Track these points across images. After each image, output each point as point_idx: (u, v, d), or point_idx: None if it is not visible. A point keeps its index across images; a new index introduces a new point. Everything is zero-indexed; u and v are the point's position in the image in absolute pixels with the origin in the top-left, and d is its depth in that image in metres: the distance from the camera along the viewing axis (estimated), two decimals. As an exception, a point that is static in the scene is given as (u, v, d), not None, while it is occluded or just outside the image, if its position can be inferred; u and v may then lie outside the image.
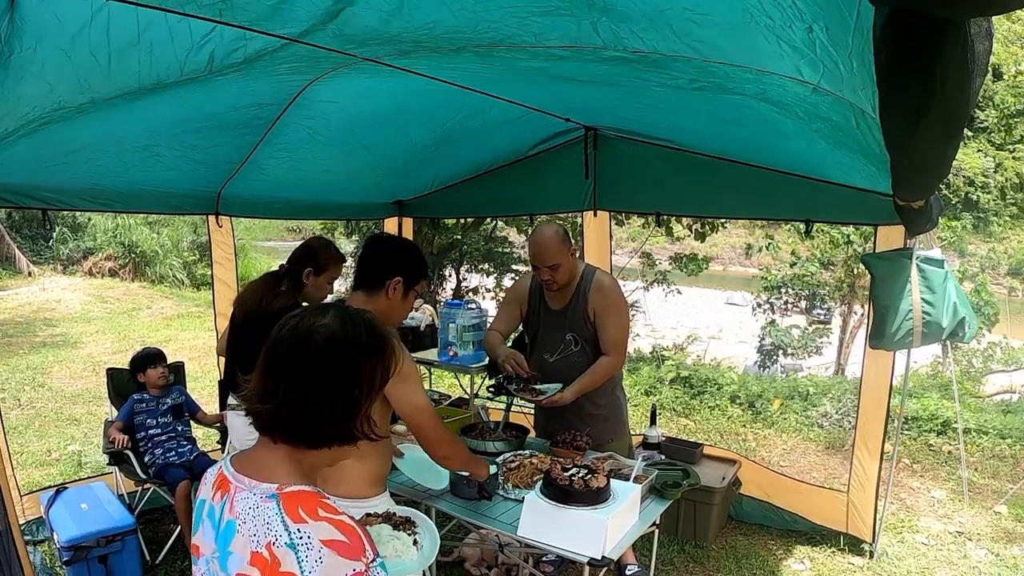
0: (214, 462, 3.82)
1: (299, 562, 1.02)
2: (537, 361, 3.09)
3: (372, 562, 1.07)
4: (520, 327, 3.28)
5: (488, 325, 3.67)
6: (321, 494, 1.11)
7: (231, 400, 3.10)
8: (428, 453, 2.05)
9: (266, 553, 1.04)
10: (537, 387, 2.85)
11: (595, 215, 4.41)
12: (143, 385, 3.84)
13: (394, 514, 1.96)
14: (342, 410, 1.15)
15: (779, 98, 2.26)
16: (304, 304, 3.12)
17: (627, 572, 3.33)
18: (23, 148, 2.61)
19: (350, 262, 6.02)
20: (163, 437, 3.76)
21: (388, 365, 1.21)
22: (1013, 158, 27.03)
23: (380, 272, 1.98)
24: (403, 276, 1.99)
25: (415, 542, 1.78)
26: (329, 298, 3.20)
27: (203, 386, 6.17)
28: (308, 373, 1.13)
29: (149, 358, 3.87)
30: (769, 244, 10.40)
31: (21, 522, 3.48)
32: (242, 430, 2.95)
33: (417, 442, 2.03)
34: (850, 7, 1.39)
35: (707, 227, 8.88)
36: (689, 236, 9.21)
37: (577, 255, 3.04)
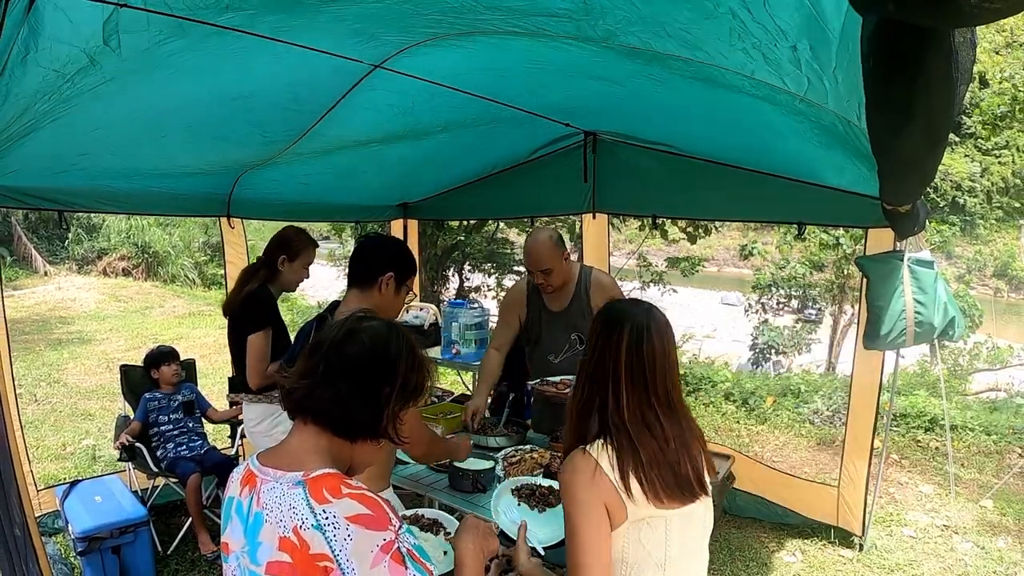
0: (224, 457, 3.84)
1: (328, 542, 1.02)
2: (541, 363, 3.07)
3: (400, 529, 1.07)
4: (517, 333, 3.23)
5: (489, 327, 3.65)
6: (344, 475, 1.13)
7: (233, 395, 3.11)
8: (408, 454, 2.04)
9: (293, 537, 1.04)
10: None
11: (594, 217, 4.40)
12: (156, 381, 3.84)
13: (422, 516, 1.95)
14: (369, 401, 1.18)
15: (773, 97, 2.26)
16: (284, 292, 3.14)
17: None
18: (38, 146, 2.59)
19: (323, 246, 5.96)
20: (175, 432, 3.76)
21: (421, 381, 1.26)
22: (999, 163, 27.00)
23: (372, 269, 2.00)
24: (394, 272, 2.01)
25: (445, 552, 1.73)
26: (331, 298, 3.20)
27: (214, 383, 6.17)
28: (346, 361, 1.18)
29: (163, 355, 3.88)
30: (754, 249, 10.38)
31: (37, 514, 3.48)
32: (253, 419, 2.96)
33: None
34: (833, 25, 1.38)
35: (699, 230, 8.87)
36: (683, 239, 9.21)
37: (571, 258, 3.03)
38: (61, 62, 1.86)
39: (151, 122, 2.69)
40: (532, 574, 1.48)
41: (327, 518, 1.03)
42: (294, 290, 3.20)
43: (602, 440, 1.38)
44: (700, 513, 1.45)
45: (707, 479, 1.46)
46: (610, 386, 1.39)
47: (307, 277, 3.18)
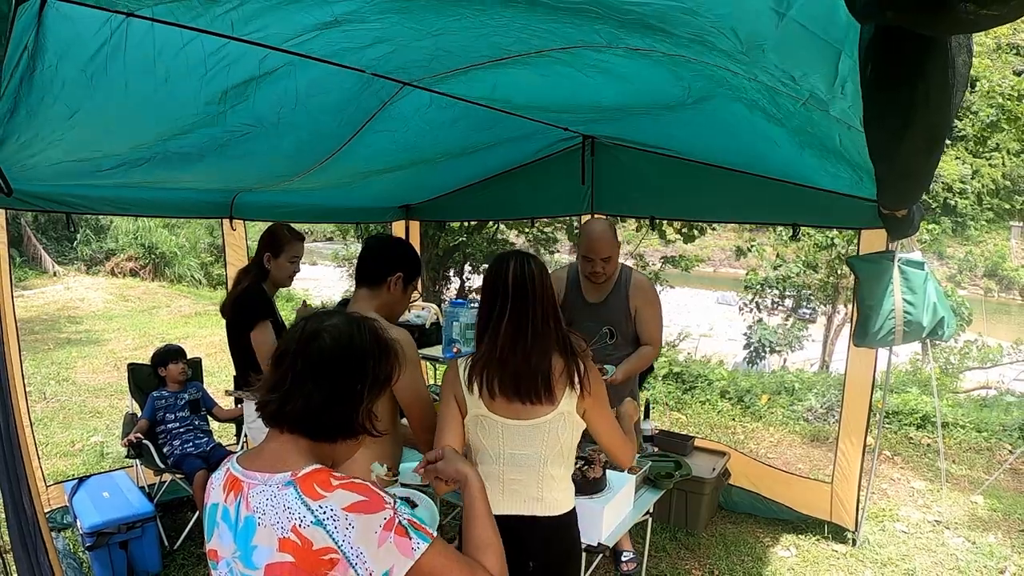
0: (230, 453, 3.83)
1: (330, 535, 1.02)
2: None
3: (395, 505, 1.08)
4: None
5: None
6: (330, 469, 1.12)
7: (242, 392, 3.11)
8: (415, 435, 2.05)
9: (294, 536, 1.03)
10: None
11: (592, 218, 4.40)
12: (163, 379, 3.84)
13: (393, 495, 1.95)
14: (343, 402, 1.15)
15: (772, 110, 2.26)
16: (277, 291, 3.14)
17: (623, 558, 3.32)
18: (51, 166, 2.59)
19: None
20: (181, 430, 3.76)
21: (390, 369, 1.22)
22: (989, 165, 27.01)
23: (381, 269, 2.03)
24: (403, 272, 2.04)
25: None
26: (335, 298, 3.20)
27: (219, 381, 6.18)
28: (313, 366, 1.14)
29: (170, 354, 3.87)
30: (752, 248, 10.38)
31: (46, 510, 3.48)
32: (252, 415, 2.96)
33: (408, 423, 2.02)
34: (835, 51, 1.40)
35: (694, 229, 8.86)
36: (679, 239, 9.20)
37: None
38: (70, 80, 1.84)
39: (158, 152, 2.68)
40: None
41: (325, 512, 1.03)
42: (288, 285, 3.18)
43: (470, 356, 1.78)
44: (544, 427, 1.71)
45: (561, 395, 1.71)
46: (495, 307, 1.72)
47: (297, 271, 3.14)
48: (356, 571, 1.02)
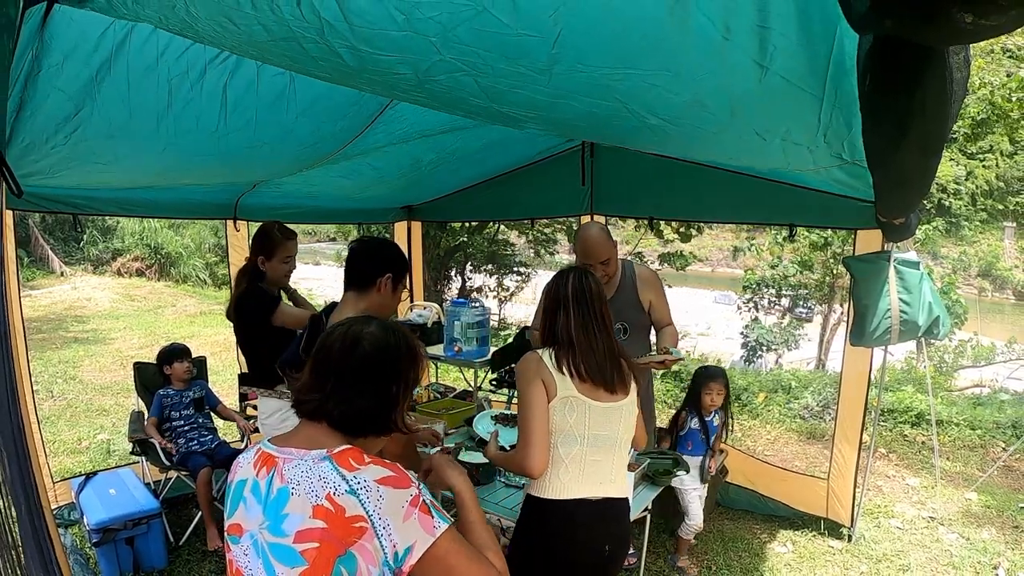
0: (235, 451, 3.84)
1: (362, 504, 1.08)
2: None
3: (419, 485, 1.14)
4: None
5: (490, 325, 3.64)
6: (362, 449, 1.17)
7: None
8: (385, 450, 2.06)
9: (328, 504, 1.08)
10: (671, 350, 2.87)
11: (592, 219, 4.39)
12: (168, 377, 3.84)
13: (416, 476, 1.97)
14: (382, 406, 1.22)
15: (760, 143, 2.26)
16: (278, 289, 3.11)
17: None
18: (58, 173, 2.58)
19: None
20: (186, 428, 3.75)
21: (419, 371, 1.29)
22: (983, 166, 26.98)
23: (370, 272, 2.06)
24: (392, 272, 2.07)
25: None
26: (337, 297, 3.19)
27: (224, 379, 6.17)
28: (355, 372, 1.20)
29: (175, 353, 3.87)
30: (751, 246, 10.37)
31: (53, 507, 3.48)
32: (266, 412, 2.96)
33: None
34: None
35: (691, 228, 8.86)
36: (677, 239, 9.21)
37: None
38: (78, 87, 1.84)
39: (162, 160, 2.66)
40: (495, 456, 2.02)
41: (359, 483, 1.09)
42: (286, 284, 3.14)
43: (549, 348, 1.89)
44: (620, 410, 1.89)
45: (631, 384, 1.93)
46: (560, 312, 1.89)
47: (293, 268, 3.12)
48: (381, 542, 1.07)
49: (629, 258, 3.32)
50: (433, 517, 1.11)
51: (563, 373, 1.83)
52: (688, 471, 3.20)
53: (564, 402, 1.82)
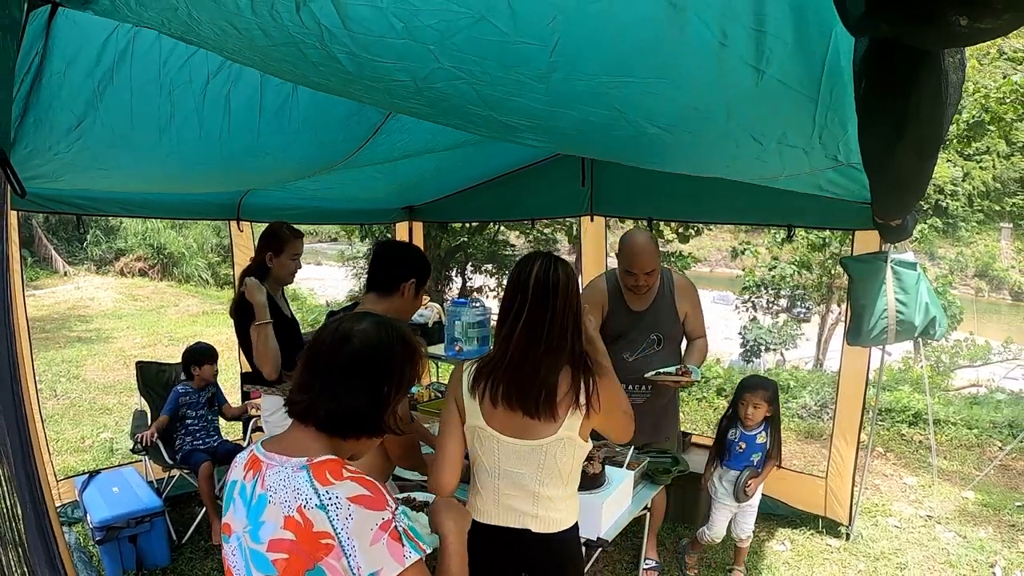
0: (237, 448, 3.84)
1: (330, 520, 1.04)
2: (615, 361, 3.02)
3: (396, 510, 1.09)
4: None
5: (491, 325, 3.64)
6: (345, 461, 1.14)
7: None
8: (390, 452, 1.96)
9: (298, 516, 1.05)
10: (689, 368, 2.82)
11: (592, 220, 4.40)
12: (191, 377, 3.81)
13: (414, 498, 1.96)
14: (372, 405, 1.18)
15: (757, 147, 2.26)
16: (280, 289, 3.14)
17: (645, 565, 3.21)
18: (61, 177, 2.58)
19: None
20: (197, 427, 3.75)
21: (417, 370, 1.24)
22: (980, 168, 27.00)
23: (395, 276, 2.04)
24: (416, 278, 2.06)
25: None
26: (339, 296, 3.19)
27: (226, 379, 6.15)
28: (344, 370, 1.16)
29: (206, 354, 3.84)
30: (746, 249, 10.35)
31: (57, 505, 3.48)
32: (268, 409, 2.97)
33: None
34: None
35: (690, 230, 8.87)
36: (675, 239, 9.21)
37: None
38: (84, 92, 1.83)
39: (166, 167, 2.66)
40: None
41: (330, 498, 1.05)
42: (290, 282, 3.18)
43: (478, 360, 1.69)
44: (540, 451, 1.61)
45: (564, 415, 1.59)
46: (513, 306, 1.61)
47: (299, 267, 3.16)
48: (348, 562, 1.03)
49: (667, 266, 3.23)
50: (404, 546, 1.06)
51: (474, 397, 1.64)
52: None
53: (472, 431, 1.66)
